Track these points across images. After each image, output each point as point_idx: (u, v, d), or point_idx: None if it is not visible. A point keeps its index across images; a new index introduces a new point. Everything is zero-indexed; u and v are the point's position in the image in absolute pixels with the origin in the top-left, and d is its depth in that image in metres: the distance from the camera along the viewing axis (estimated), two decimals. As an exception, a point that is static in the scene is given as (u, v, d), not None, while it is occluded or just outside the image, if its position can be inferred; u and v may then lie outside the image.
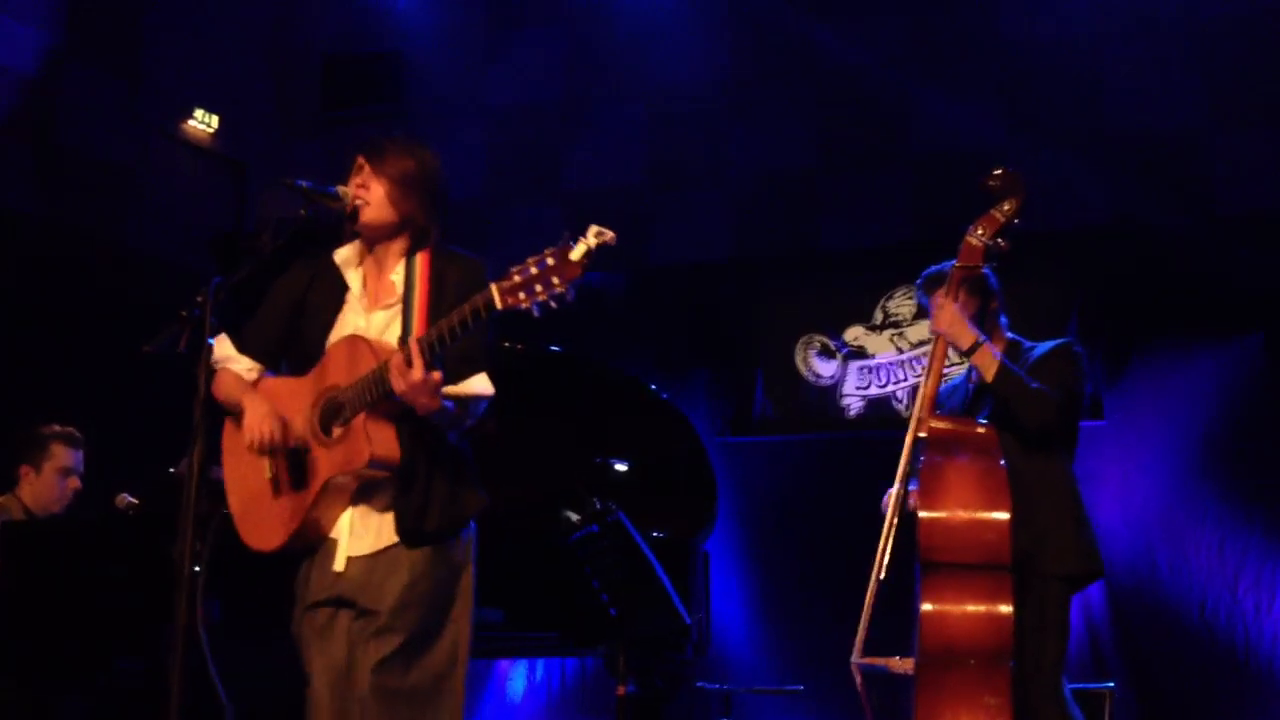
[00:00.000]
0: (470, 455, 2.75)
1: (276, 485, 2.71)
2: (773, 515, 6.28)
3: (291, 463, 2.69)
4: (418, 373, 2.49)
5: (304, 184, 2.69)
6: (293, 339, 2.79)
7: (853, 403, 6.41)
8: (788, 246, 6.67)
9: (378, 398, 2.57)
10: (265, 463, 2.71)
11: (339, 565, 2.67)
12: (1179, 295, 5.87)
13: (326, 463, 2.63)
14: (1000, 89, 6.32)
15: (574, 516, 3.91)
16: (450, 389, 2.61)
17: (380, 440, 2.58)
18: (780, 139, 6.72)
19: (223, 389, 2.76)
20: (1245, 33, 5.97)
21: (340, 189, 2.75)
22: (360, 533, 2.67)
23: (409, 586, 2.62)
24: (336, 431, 2.63)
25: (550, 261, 2.35)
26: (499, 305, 2.39)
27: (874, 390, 6.36)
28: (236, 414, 2.77)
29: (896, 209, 6.48)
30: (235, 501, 2.79)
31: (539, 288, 2.35)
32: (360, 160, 2.77)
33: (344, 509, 2.69)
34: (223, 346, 2.79)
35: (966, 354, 3.42)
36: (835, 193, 6.62)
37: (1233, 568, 5.58)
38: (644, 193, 6.93)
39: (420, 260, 2.74)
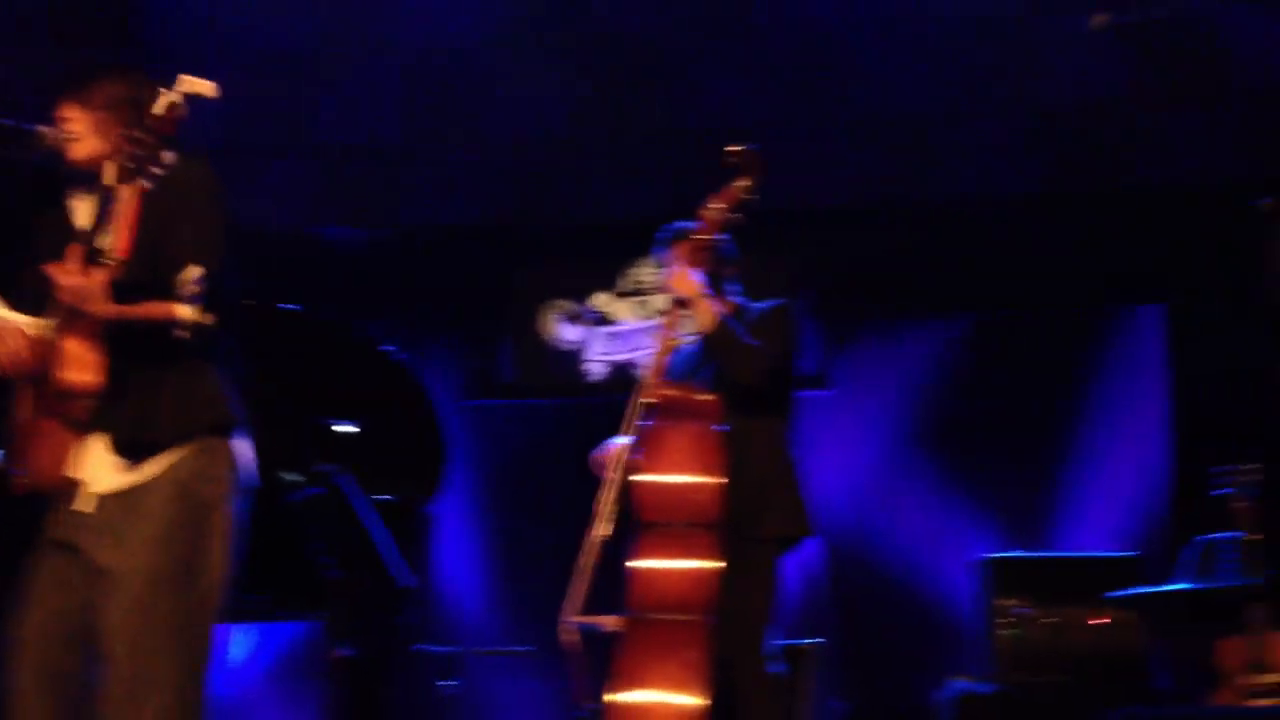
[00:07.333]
0: (216, 372, 2.69)
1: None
2: (516, 478, 6.35)
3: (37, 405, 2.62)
4: (73, 276, 2.44)
5: (7, 123, 2.61)
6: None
7: (597, 368, 6.53)
8: (540, 213, 6.69)
9: (70, 317, 2.50)
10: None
11: (83, 505, 2.58)
12: (901, 276, 6.23)
13: (37, 395, 2.57)
14: (769, 68, 6.46)
15: (297, 477, 3.86)
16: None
17: (73, 361, 2.50)
18: (545, 104, 6.70)
19: None
20: (990, 27, 6.22)
21: (42, 128, 2.67)
22: (104, 469, 2.59)
23: (150, 524, 2.55)
24: None
25: (147, 123, 2.34)
26: (114, 182, 2.38)
27: (618, 356, 6.49)
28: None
29: (652, 181, 6.57)
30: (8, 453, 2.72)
31: (139, 152, 2.33)
32: (64, 99, 2.68)
33: (70, 446, 2.58)
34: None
35: (687, 305, 3.55)
36: (592, 162, 6.67)
37: (937, 530, 6.01)
38: (399, 150, 6.81)
39: None
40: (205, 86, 2.32)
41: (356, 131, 6.79)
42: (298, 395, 4.15)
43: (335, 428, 4.06)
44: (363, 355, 4.39)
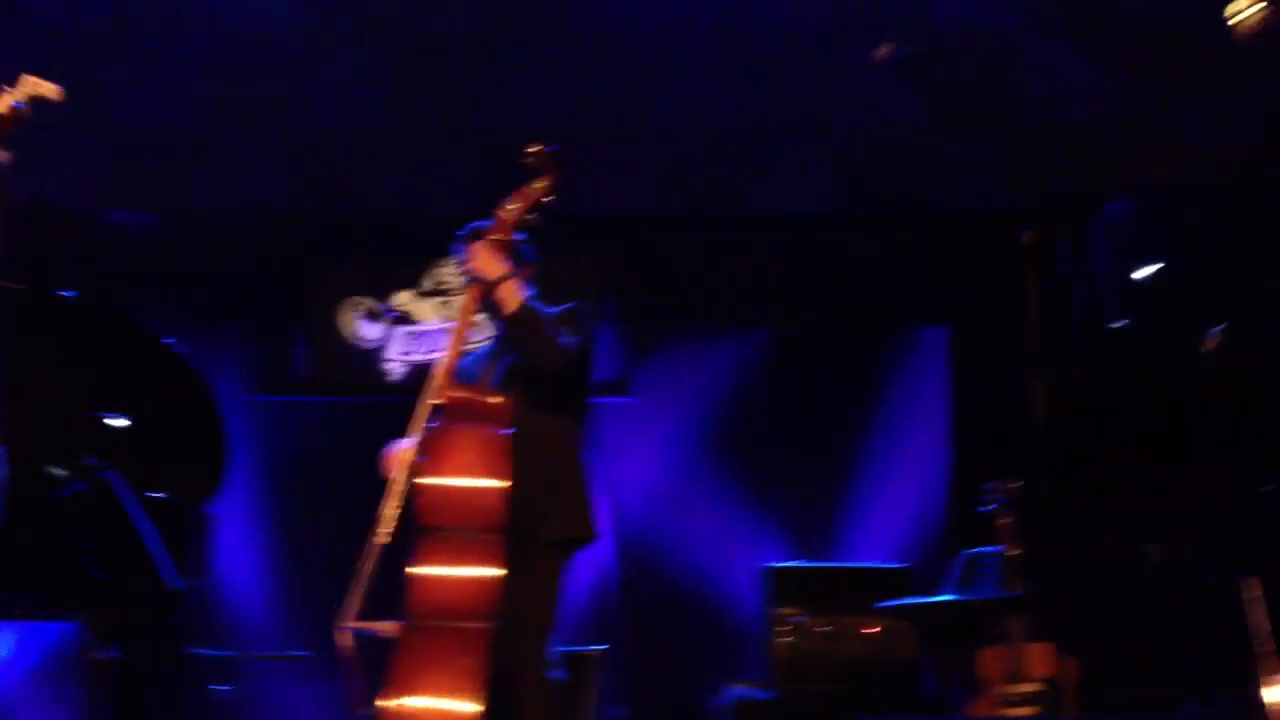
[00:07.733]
0: None
1: None
2: (306, 477, 6.20)
3: None
4: None
5: None
6: None
7: (396, 367, 6.45)
8: (341, 206, 6.56)
9: None
10: None
11: None
12: (703, 287, 6.38)
13: None
14: (580, 72, 6.47)
15: (61, 471, 3.70)
16: None
17: None
18: (350, 95, 6.58)
19: None
20: (797, 49, 6.37)
21: None
22: None
23: None
24: None
25: None
26: None
27: (418, 356, 6.42)
28: None
29: (455, 179, 6.52)
30: None
31: None
32: None
33: None
34: None
35: (494, 284, 3.49)
36: (398, 157, 6.57)
37: (728, 539, 6.16)
38: (195, 134, 6.57)
39: None
40: (49, 89, 2.20)
41: (152, 113, 6.52)
42: (67, 385, 3.98)
43: (105, 421, 3.90)
44: (140, 346, 4.23)
